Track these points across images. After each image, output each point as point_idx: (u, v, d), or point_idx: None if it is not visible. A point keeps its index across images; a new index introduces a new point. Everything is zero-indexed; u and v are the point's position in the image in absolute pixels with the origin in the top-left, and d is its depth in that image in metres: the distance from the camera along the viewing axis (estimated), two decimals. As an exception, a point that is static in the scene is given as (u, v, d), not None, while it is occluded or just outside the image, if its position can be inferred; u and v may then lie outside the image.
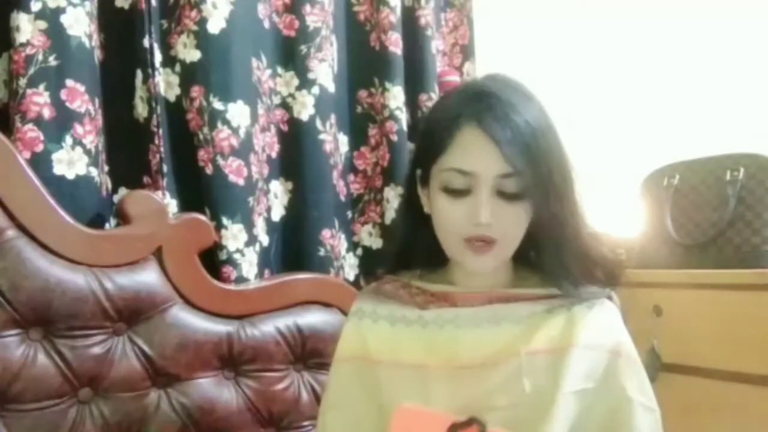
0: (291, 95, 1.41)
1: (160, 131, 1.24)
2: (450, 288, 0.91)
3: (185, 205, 1.28)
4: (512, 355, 0.82)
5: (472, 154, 0.80)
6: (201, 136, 1.26)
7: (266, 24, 1.37)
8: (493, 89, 0.83)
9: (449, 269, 0.92)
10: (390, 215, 1.49)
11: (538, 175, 0.79)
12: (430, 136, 0.85)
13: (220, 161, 1.26)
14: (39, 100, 1.10)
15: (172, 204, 1.26)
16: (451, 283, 0.92)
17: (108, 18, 1.23)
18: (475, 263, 0.84)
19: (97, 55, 1.21)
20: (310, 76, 1.40)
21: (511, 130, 0.79)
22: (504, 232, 0.82)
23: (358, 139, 1.52)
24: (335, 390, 0.93)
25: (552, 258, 0.85)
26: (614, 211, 1.49)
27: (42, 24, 1.11)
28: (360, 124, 1.52)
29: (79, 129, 1.14)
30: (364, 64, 1.51)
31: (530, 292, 0.88)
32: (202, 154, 1.26)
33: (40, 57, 1.10)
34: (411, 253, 0.95)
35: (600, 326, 0.85)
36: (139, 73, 1.24)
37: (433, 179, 0.85)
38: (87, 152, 1.15)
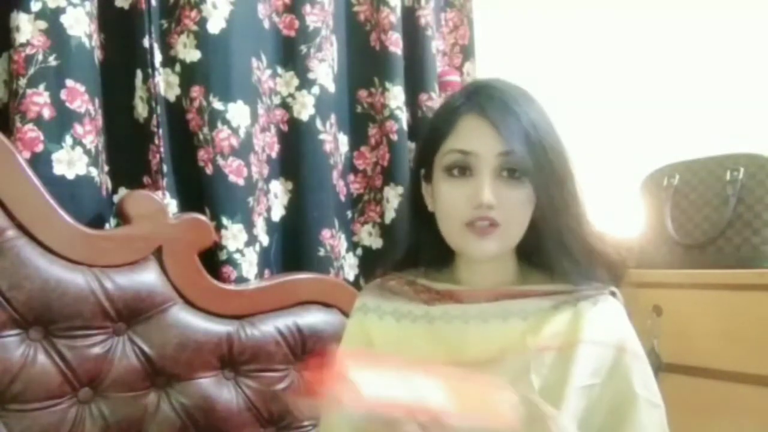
0: (291, 95, 1.41)
1: (160, 131, 1.24)
2: (456, 286, 0.91)
3: (185, 205, 1.28)
4: (520, 351, 0.83)
5: (473, 135, 0.82)
6: (201, 136, 1.26)
7: (266, 24, 1.37)
8: (493, 84, 0.86)
9: (454, 268, 0.92)
10: (390, 215, 1.49)
11: (537, 159, 0.81)
12: (433, 129, 0.88)
13: (220, 161, 1.26)
14: (39, 100, 1.10)
15: (172, 204, 1.26)
16: (456, 281, 0.92)
17: (108, 18, 1.23)
18: (478, 247, 0.83)
19: (97, 55, 1.21)
20: (310, 76, 1.40)
21: (509, 116, 0.81)
22: (506, 216, 0.82)
23: (358, 138, 1.52)
24: None
25: (555, 248, 0.85)
26: (614, 211, 1.49)
27: (42, 24, 1.10)
28: (360, 123, 1.52)
29: (79, 129, 1.14)
30: (364, 64, 1.51)
31: (536, 288, 0.88)
32: (202, 154, 1.26)
33: (40, 57, 1.10)
34: (416, 253, 0.95)
35: (605, 322, 0.85)
36: (139, 73, 1.24)
37: (436, 168, 0.86)
38: (87, 152, 1.15)
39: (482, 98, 0.83)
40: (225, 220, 1.26)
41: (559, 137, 0.85)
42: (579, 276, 0.85)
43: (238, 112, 1.27)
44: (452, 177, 0.83)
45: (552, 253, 0.86)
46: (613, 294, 0.89)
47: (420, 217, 0.91)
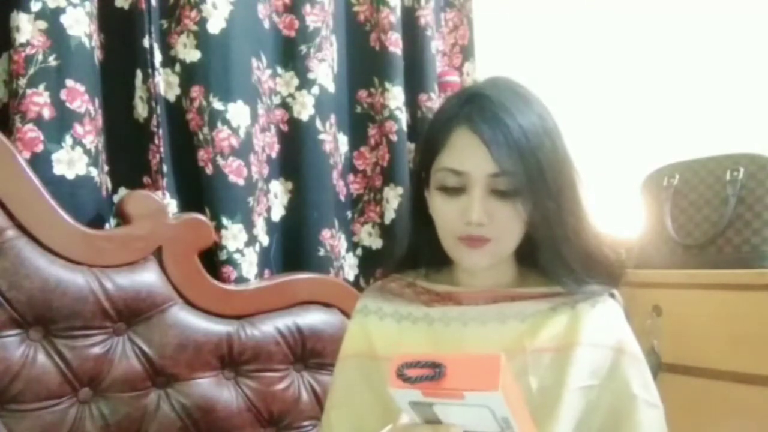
0: (291, 95, 1.41)
1: (160, 131, 1.24)
2: (455, 288, 0.91)
3: (185, 205, 1.28)
4: (518, 353, 0.83)
5: (464, 154, 0.82)
6: (201, 136, 1.26)
7: (266, 24, 1.38)
8: (487, 92, 0.84)
9: (454, 269, 0.93)
10: (390, 215, 1.49)
11: (529, 175, 0.80)
12: (429, 138, 0.88)
13: (220, 161, 1.26)
14: (39, 100, 1.10)
15: (172, 204, 1.26)
16: (455, 283, 0.92)
17: (108, 18, 1.23)
18: (469, 260, 0.85)
19: (97, 55, 1.21)
20: (310, 76, 1.40)
21: (501, 131, 0.80)
22: (497, 231, 0.83)
23: (357, 139, 1.52)
24: (340, 388, 0.93)
25: (551, 256, 0.85)
26: (614, 211, 1.48)
27: (42, 24, 1.11)
28: (360, 124, 1.52)
29: (79, 129, 1.14)
30: (364, 64, 1.51)
31: (534, 290, 0.88)
32: (202, 154, 1.26)
33: (40, 57, 1.10)
34: (416, 254, 0.96)
35: (603, 324, 0.85)
36: (139, 73, 1.24)
37: (432, 180, 0.86)
38: (87, 152, 1.15)
39: (474, 110, 0.82)
40: (225, 220, 1.26)
41: (556, 144, 0.84)
42: (574, 283, 0.86)
43: (238, 112, 1.27)
44: (445, 193, 0.84)
45: (548, 261, 0.86)
46: (612, 296, 0.89)
47: (421, 218, 0.91)
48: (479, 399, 0.63)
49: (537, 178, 0.80)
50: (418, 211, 0.92)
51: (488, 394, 0.62)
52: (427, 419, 0.68)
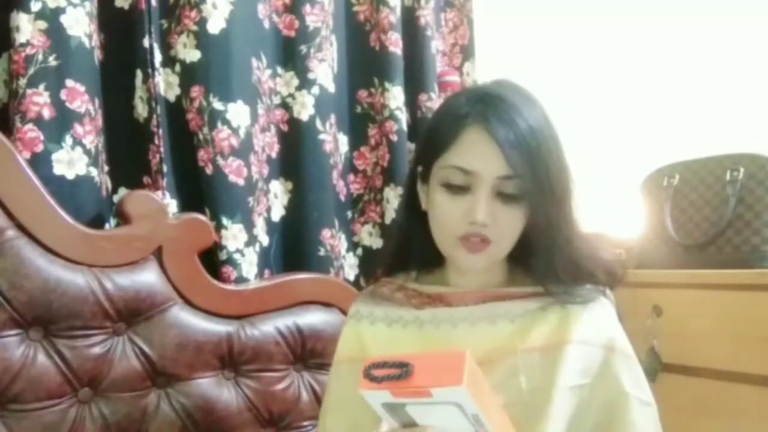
0: (291, 95, 1.41)
1: (160, 131, 1.24)
2: (445, 289, 0.91)
3: (185, 205, 1.28)
4: (508, 353, 0.83)
5: (475, 153, 0.81)
6: (201, 136, 1.26)
7: (266, 24, 1.38)
8: (500, 92, 0.84)
9: (444, 270, 0.93)
10: (390, 215, 1.49)
11: (538, 179, 0.80)
12: (435, 133, 0.86)
13: (220, 161, 1.26)
14: (39, 100, 1.10)
15: (172, 204, 1.26)
16: (446, 283, 0.92)
17: (108, 18, 1.23)
18: (467, 261, 0.84)
19: (97, 55, 1.21)
20: (310, 76, 1.40)
21: (514, 134, 0.80)
22: (499, 234, 0.83)
23: (357, 139, 1.52)
24: (335, 393, 0.94)
25: (543, 262, 0.85)
26: (614, 211, 1.48)
27: (42, 24, 1.11)
28: (360, 124, 1.52)
29: (79, 129, 1.14)
30: (364, 64, 1.51)
31: (524, 290, 0.88)
32: (202, 154, 1.26)
33: (40, 57, 1.10)
34: (407, 253, 0.96)
35: (594, 322, 0.85)
36: (139, 73, 1.24)
37: (434, 176, 0.86)
38: (87, 152, 1.15)
39: (489, 110, 0.81)
40: (225, 220, 1.26)
41: (560, 148, 0.84)
42: (559, 289, 0.86)
43: (238, 112, 1.27)
44: (449, 190, 0.83)
45: (538, 264, 0.86)
46: (603, 294, 0.89)
47: (414, 215, 0.91)
48: (446, 395, 0.63)
49: (543, 183, 0.81)
50: (410, 208, 0.92)
51: (453, 389, 0.62)
52: (402, 422, 0.68)
